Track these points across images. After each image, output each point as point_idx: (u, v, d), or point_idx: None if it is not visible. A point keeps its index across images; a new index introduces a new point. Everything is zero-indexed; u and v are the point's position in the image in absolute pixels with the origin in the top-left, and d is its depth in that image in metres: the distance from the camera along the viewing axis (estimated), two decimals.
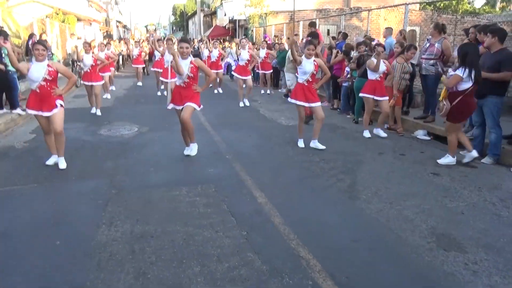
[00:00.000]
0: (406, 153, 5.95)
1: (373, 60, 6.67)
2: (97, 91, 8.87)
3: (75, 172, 5.06)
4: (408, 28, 19.84)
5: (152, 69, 12.93)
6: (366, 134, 6.88)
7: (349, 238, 3.39)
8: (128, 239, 3.32)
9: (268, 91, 12.47)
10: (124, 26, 52.43)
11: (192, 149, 5.72)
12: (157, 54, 11.89)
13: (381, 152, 5.98)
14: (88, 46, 8.96)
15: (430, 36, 7.42)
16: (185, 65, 5.22)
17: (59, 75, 5.09)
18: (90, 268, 2.91)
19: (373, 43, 7.97)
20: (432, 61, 7.03)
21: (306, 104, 6.06)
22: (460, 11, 30.78)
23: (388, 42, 8.53)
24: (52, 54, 12.85)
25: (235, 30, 28.38)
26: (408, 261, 3.06)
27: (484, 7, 34.83)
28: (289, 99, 6.51)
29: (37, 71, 4.82)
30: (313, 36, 7.83)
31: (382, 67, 6.69)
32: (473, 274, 2.88)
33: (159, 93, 12.03)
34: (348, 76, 8.40)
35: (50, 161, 5.23)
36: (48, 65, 4.88)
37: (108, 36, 32.28)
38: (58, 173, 5.00)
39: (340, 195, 4.35)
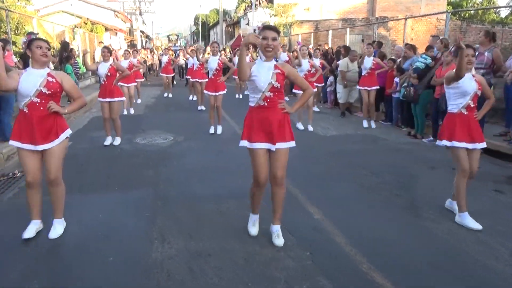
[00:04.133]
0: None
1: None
2: (115, 110, 6.65)
3: (117, 181, 4.90)
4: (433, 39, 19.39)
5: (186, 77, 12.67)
6: None
7: (425, 262, 3.08)
8: (184, 257, 3.10)
9: (316, 108, 10.57)
10: (147, 36, 53.27)
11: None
12: (190, 63, 11.84)
13: (433, 166, 5.64)
14: (107, 51, 6.88)
15: (478, 45, 7.07)
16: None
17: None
18: None
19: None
20: (482, 71, 6.67)
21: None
22: (487, 21, 30.12)
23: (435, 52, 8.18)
24: (78, 64, 12.77)
25: None
26: None
27: (510, 17, 33.97)
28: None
29: (30, 81, 3.21)
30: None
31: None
32: None
33: (190, 98, 12.03)
34: (404, 85, 7.88)
35: (29, 232, 3.36)
36: (49, 74, 3.32)
37: (132, 45, 32.75)
38: (100, 181, 4.85)
39: (402, 212, 4.04)
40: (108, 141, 6.75)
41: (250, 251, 3.19)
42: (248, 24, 27.82)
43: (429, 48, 7.48)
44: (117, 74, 6.73)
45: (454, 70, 3.73)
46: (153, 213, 3.93)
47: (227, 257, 3.10)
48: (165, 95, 13.75)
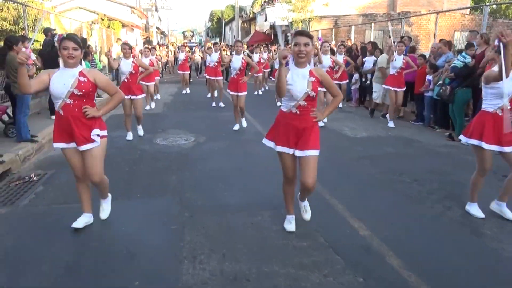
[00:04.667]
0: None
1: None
2: (139, 108, 6.76)
3: (139, 187, 4.56)
4: (458, 34, 18.50)
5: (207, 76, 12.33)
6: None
7: None
8: (220, 281, 2.72)
9: (340, 105, 10.14)
10: (162, 33, 53.18)
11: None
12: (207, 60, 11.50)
13: None
14: (128, 48, 6.68)
15: None
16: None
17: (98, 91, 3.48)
18: None
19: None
20: None
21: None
22: (511, 15, 29.05)
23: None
24: (95, 60, 12.52)
25: (276, 36, 27.87)
26: None
27: None
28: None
29: (61, 81, 3.10)
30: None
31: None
32: None
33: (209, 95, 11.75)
34: (439, 83, 7.38)
35: (78, 223, 3.40)
36: (81, 73, 3.16)
37: (148, 42, 32.59)
38: (121, 187, 4.51)
39: (457, 228, 3.59)
40: (130, 136, 6.79)
41: (294, 276, 2.79)
42: (265, 20, 27.34)
43: (469, 46, 6.92)
44: (139, 71, 6.65)
45: (494, 69, 3.43)
46: (180, 225, 3.57)
47: (270, 284, 2.71)
48: (183, 91, 13.53)
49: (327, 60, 7.91)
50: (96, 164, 3.28)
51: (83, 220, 3.45)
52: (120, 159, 5.74)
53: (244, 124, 7.68)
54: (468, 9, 23.42)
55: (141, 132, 7.06)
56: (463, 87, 6.56)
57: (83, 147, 3.20)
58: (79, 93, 3.12)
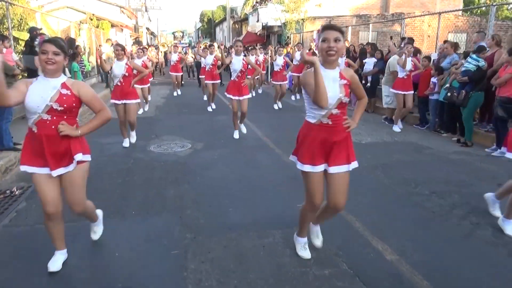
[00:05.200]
0: None
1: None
2: (133, 114, 6.27)
3: (134, 203, 4.12)
4: (451, 36, 18.31)
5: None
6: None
7: None
8: None
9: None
10: (152, 33, 52.43)
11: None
12: (202, 63, 11.08)
13: (500, 183, 4.82)
14: (120, 49, 6.18)
15: None
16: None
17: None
18: None
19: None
20: None
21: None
22: (500, 17, 29.17)
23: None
24: (84, 62, 11.99)
25: (268, 37, 27.52)
26: None
27: None
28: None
29: (39, 93, 2.55)
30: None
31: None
32: None
33: (205, 98, 11.18)
34: (446, 86, 7.06)
35: (55, 265, 2.82)
36: (64, 85, 2.62)
37: (137, 42, 32.01)
38: (113, 202, 4.07)
39: (491, 250, 3.23)
40: (126, 143, 6.39)
41: None
42: (257, 21, 26.94)
43: (482, 49, 6.60)
44: (133, 74, 6.19)
45: None
46: (182, 250, 3.15)
47: None
48: (175, 93, 13.10)
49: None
50: (77, 192, 2.75)
51: (59, 260, 2.87)
52: (111, 168, 5.29)
53: (244, 130, 7.14)
54: (460, 11, 23.34)
55: (133, 139, 6.58)
56: (476, 91, 6.25)
57: (56, 172, 2.62)
58: (59, 108, 2.56)
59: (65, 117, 2.61)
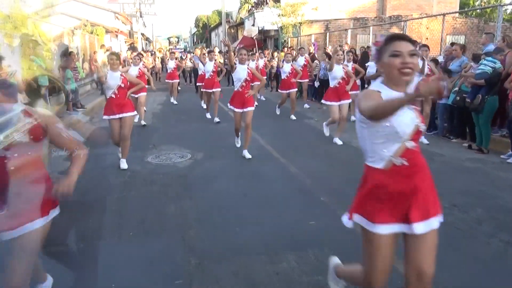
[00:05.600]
0: None
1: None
2: (128, 128, 5.50)
3: (131, 222, 3.78)
4: (450, 38, 18.13)
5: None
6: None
7: None
8: None
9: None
10: (147, 39, 52.12)
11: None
12: (200, 69, 10.70)
13: None
14: (115, 59, 5.54)
15: None
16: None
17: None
18: None
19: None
20: None
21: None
22: (494, 19, 29.16)
23: (489, 50, 7.07)
24: (78, 69, 11.57)
25: (265, 41, 27.30)
26: None
27: None
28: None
29: None
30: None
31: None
32: None
33: (204, 106, 10.68)
34: (455, 89, 6.77)
35: None
36: (25, 112, 2.08)
37: (132, 48, 31.66)
38: (108, 223, 3.73)
39: None
40: (124, 164, 5.50)
41: None
42: (253, 25, 26.71)
43: (498, 50, 6.31)
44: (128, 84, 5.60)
45: None
46: (187, 279, 2.81)
47: None
48: (172, 100, 12.57)
49: (339, 70, 6.85)
50: (20, 266, 2.02)
51: None
52: (106, 183, 4.95)
53: (247, 155, 5.99)
54: (457, 13, 23.25)
55: (123, 165, 5.49)
56: (491, 95, 5.96)
57: (17, 231, 2.00)
58: (25, 139, 2.01)
59: (28, 152, 2.07)
